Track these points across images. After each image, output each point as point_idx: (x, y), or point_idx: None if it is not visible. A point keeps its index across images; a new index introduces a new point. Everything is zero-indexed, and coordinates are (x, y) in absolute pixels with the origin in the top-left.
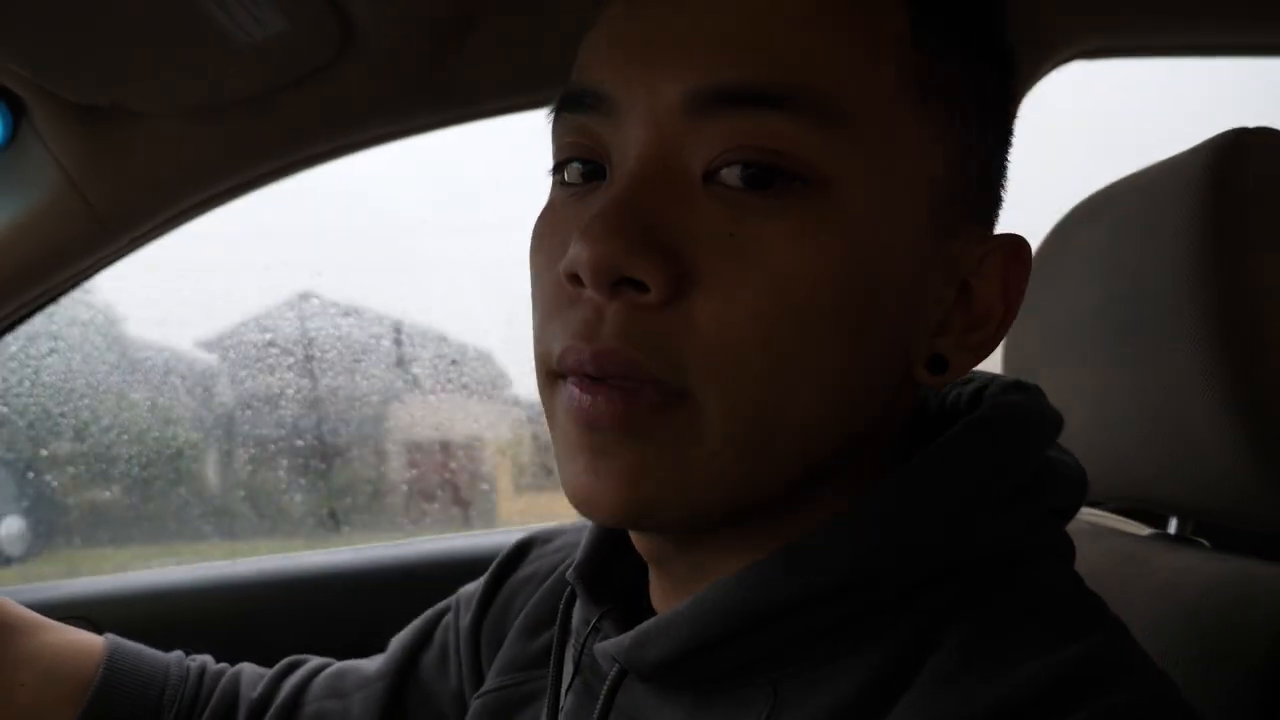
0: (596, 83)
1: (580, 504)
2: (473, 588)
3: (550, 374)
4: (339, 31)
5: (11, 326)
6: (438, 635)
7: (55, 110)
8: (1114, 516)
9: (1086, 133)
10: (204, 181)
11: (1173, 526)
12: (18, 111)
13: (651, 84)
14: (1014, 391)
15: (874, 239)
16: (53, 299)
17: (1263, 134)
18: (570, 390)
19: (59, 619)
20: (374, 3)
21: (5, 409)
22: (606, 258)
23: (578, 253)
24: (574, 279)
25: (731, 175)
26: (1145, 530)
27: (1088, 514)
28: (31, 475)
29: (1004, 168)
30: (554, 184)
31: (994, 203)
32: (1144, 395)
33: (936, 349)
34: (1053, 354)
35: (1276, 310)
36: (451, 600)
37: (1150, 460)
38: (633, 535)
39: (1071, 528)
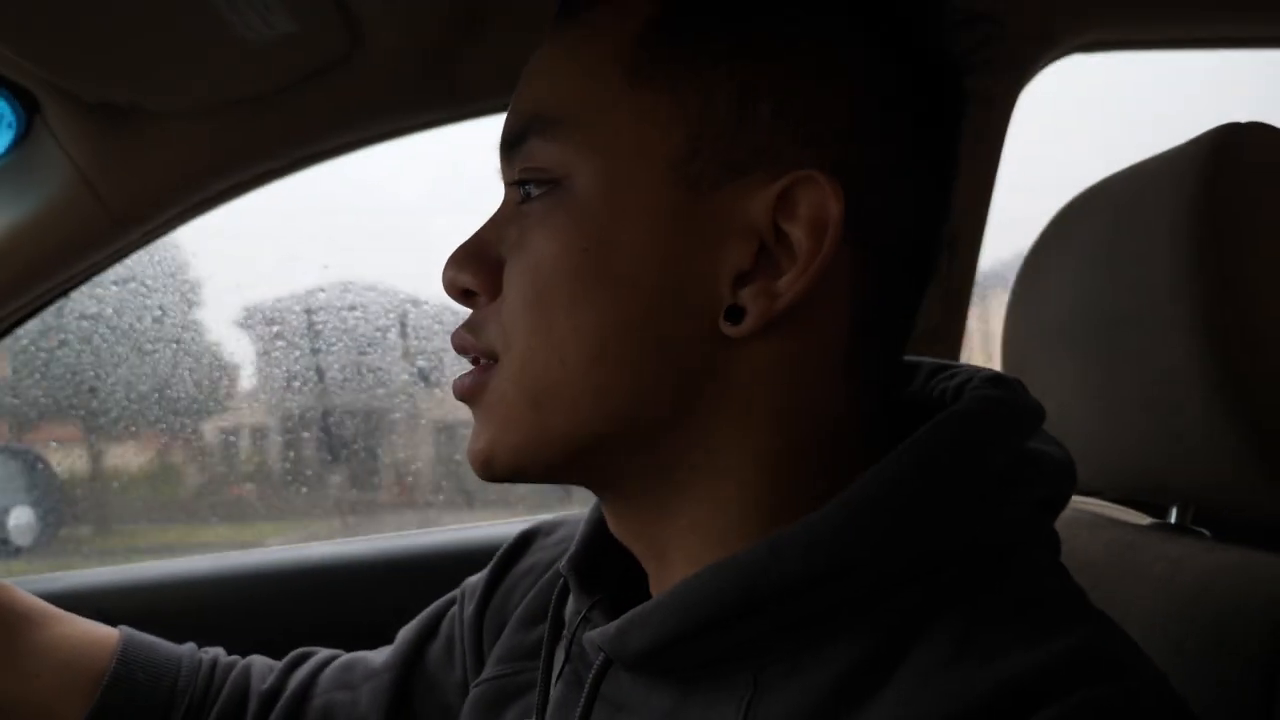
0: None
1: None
2: (477, 579)
3: None
4: (346, 31)
5: (23, 320)
6: (444, 626)
7: (68, 108)
8: (1115, 506)
9: (1086, 125)
10: (214, 177)
11: (1173, 516)
12: (31, 109)
13: (499, 147)
14: (993, 385)
15: (605, 214)
16: (65, 293)
17: (1255, 129)
18: None
19: (70, 609)
20: (381, 3)
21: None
22: (446, 279)
23: (441, 278)
24: None
25: (520, 194)
26: (1146, 520)
27: (1089, 504)
28: (40, 465)
29: (820, 106)
30: None
31: (808, 145)
32: (1141, 386)
33: (737, 300)
34: (1051, 346)
35: (1269, 302)
36: (457, 592)
37: (1149, 450)
38: (604, 512)
39: (1072, 518)
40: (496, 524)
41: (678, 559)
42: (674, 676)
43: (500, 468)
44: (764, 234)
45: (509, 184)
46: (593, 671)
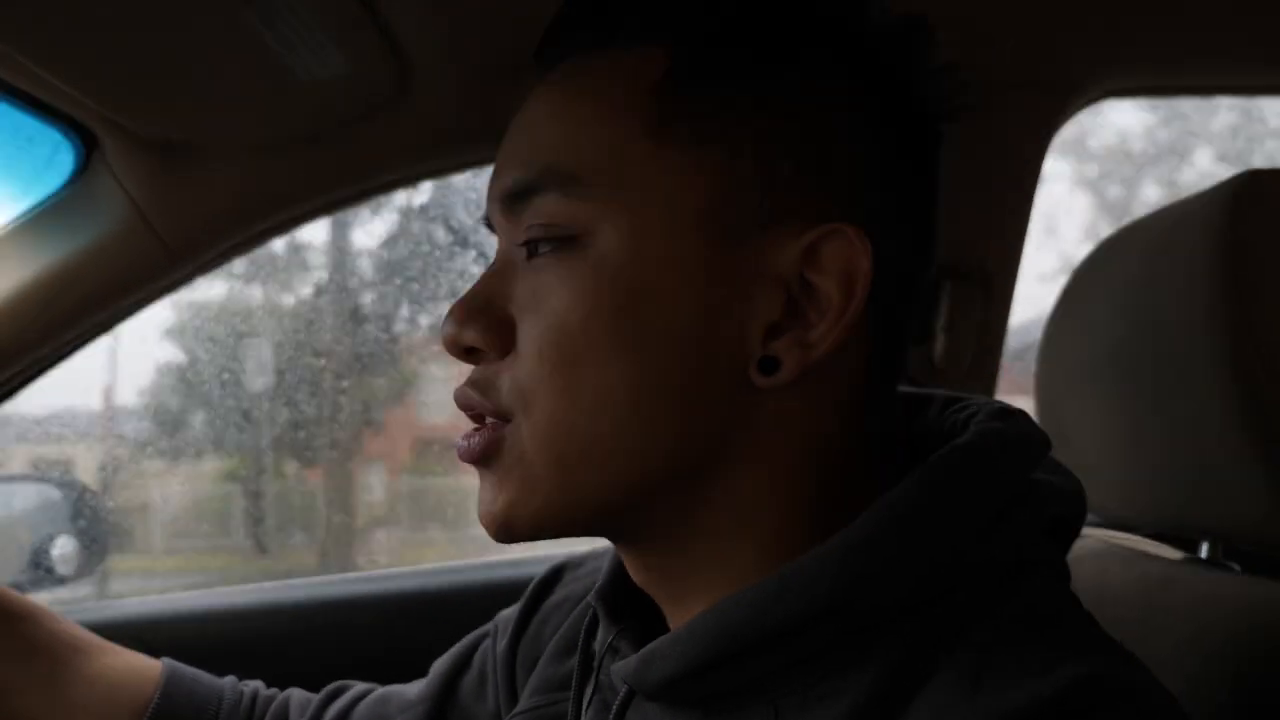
0: (486, 208)
1: (484, 527)
2: (510, 612)
3: None
4: (397, 72)
5: (75, 350)
6: (476, 659)
7: (125, 143)
8: (1147, 541)
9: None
10: (266, 213)
11: (1204, 551)
12: (89, 144)
13: (491, 198)
14: (997, 417)
15: (633, 272)
16: (117, 322)
17: (1275, 174)
18: None
19: (112, 638)
20: (430, 46)
21: None
22: (448, 334)
23: (440, 334)
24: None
25: (528, 250)
26: (1177, 554)
27: (1122, 539)
28: (87, 495)
29: (839, 160)
30: None
31: (828, 198)
32: (1170, 425)
33: (769, 351)
34: (1081, 385)
35: None
36: (490, 625)
37: (1179, 487)
38: (626, 565)
39: (1105, 552)
40: (528, 557)
41: (698, 596)
42: (696, 706)
43: (521, 530)
44: (792, 286)
45: (512, 240)
46: (618, 701)
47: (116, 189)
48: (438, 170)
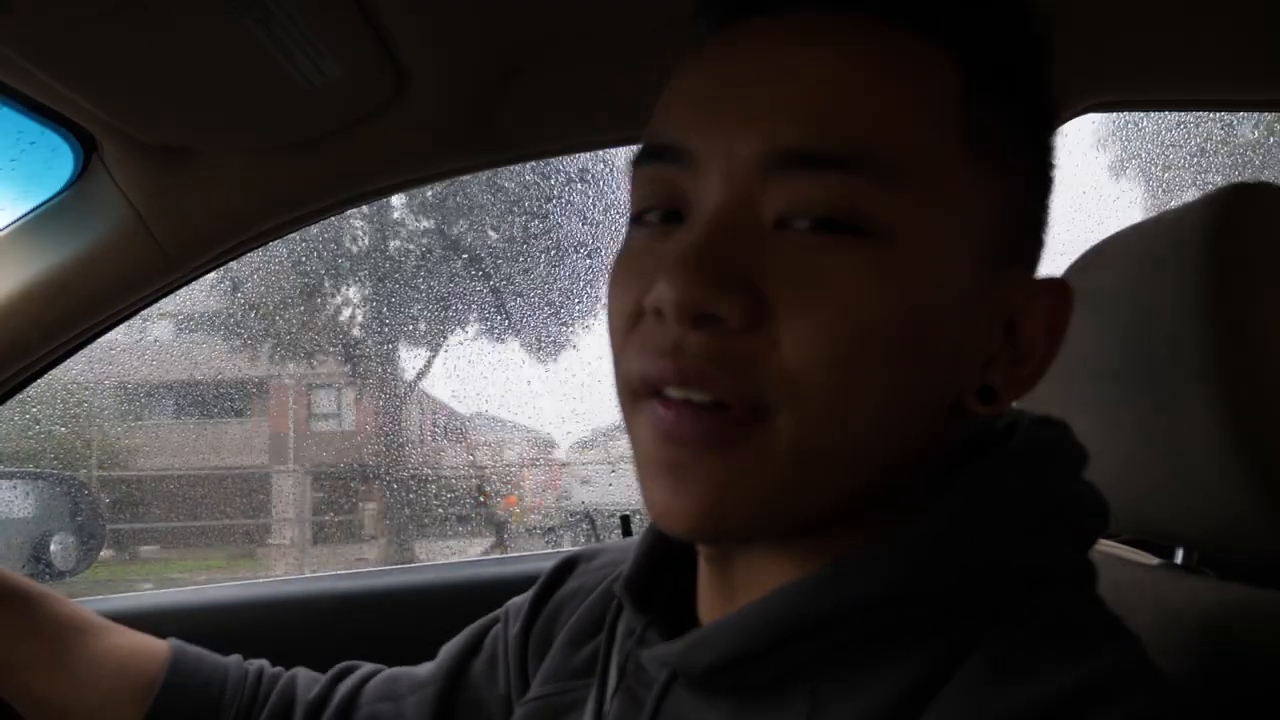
0: (677, 138)
1: (659, 518)
2: (521, 600)
3: (633, 393)
4: (393, 78)
5: (73, 351)
6: (487, 644)
7: (125, 147)
8: (1124, 547)
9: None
10: (263, 216)
11: (1179, 557)
12: (89, 147)
13: (729, 143)
14: (1044, 426)
15: (928, 281)
16: (114, 324)
17: (1260, 188)
18: (655, 408)
19: None
20: (426, 53)
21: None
22: (689, 297)
23: (662, 291)
24: (658, 313)
25: (801, 222)
26: (1153, 560)
27: (1100, 544)
28: (84, 491)
29: (1046, 214)
30: (630, 229)
31: (1037, 247)
32: (1149, 433)
33: (986, 381)
34: (1064, 393)
35: (1274, 354)
36: (500, 612)
37: (1157, 495)
38: (705, 549)
39: None
40: (533, 554)
41: (758, 582)
42: (733, 694)
43: (727, 531)
44: (1010, 325)
45: (753, 203)
46: (657, 687)
47: (115, 192)
48: (435, 175)
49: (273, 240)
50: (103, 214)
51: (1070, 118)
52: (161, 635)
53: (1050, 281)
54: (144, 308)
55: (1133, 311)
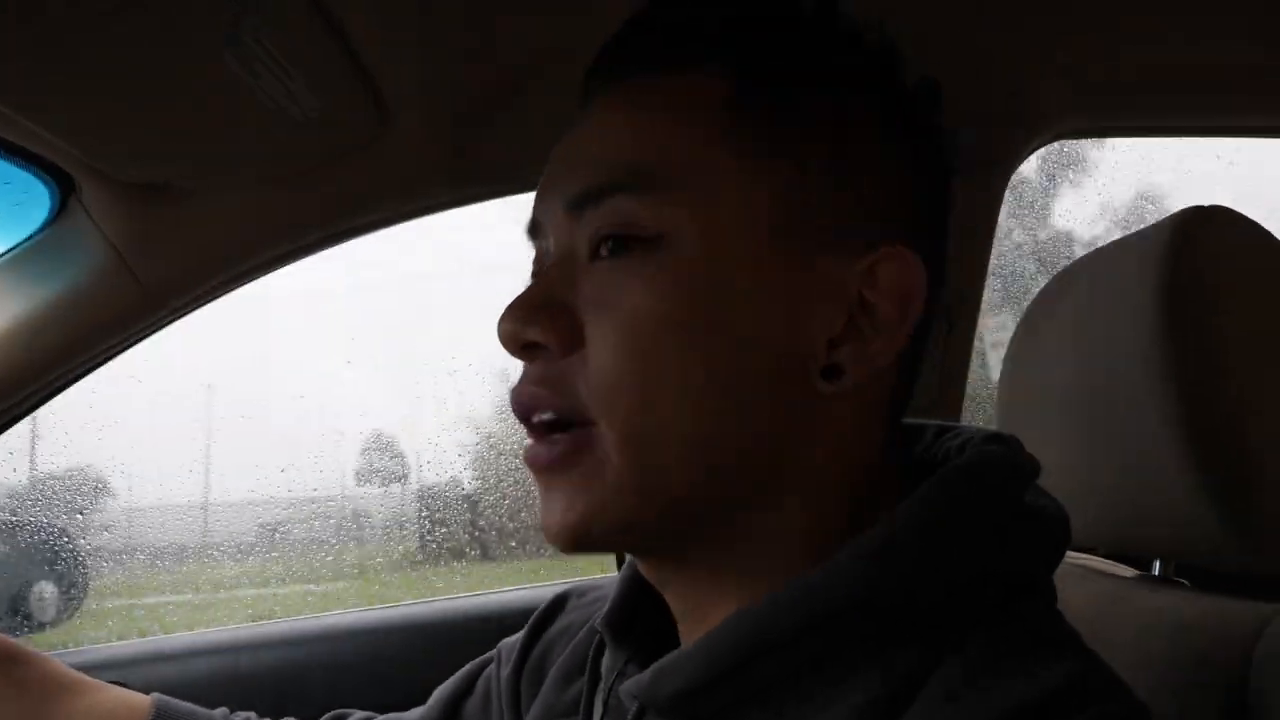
0: (535, 213)
1: (545, 536)
2: (514, 640)
3: None
4: (375, 113)
5: (57, 391)
6: (480, 684)
7: (103, 186)
8: (1103, 560)
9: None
10: (245, 254)
11: (1156, 569)
12: (66, 186)
13: (551, 202)
14: (993, 442)
15: (709, 273)
16: (96, 366)
17: (1217, 211)
18: (526, 442)
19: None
20: (407, 86)
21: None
22: (508, 329)
23: (497, 329)
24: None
25: (604, 249)
26: (1131, 573)
27: (1078, 558)
28: (64, 540)
29: (876, 193)
30: None
31: (884, 220)
32: (1123, 450)
33: (833, 360)
34: (1041, 410)
35: (1233, 373)
36: (493, 653)
37: (1131, 509)
38: (642, 569)
39: (1064, 571)
40: (525, 589)
41: (716, 608)
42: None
43: (595, 539)
44: (852, 303)
45: (573, 242)
46: (629, 718)
47: (94, 232)
48: (418, 210)
49: (257, 278)
50: (82, 254)
51: (1039, 146)
52: (147, 685)
53: (887, 251)
54: (127, 348)
55: (1100, 334)
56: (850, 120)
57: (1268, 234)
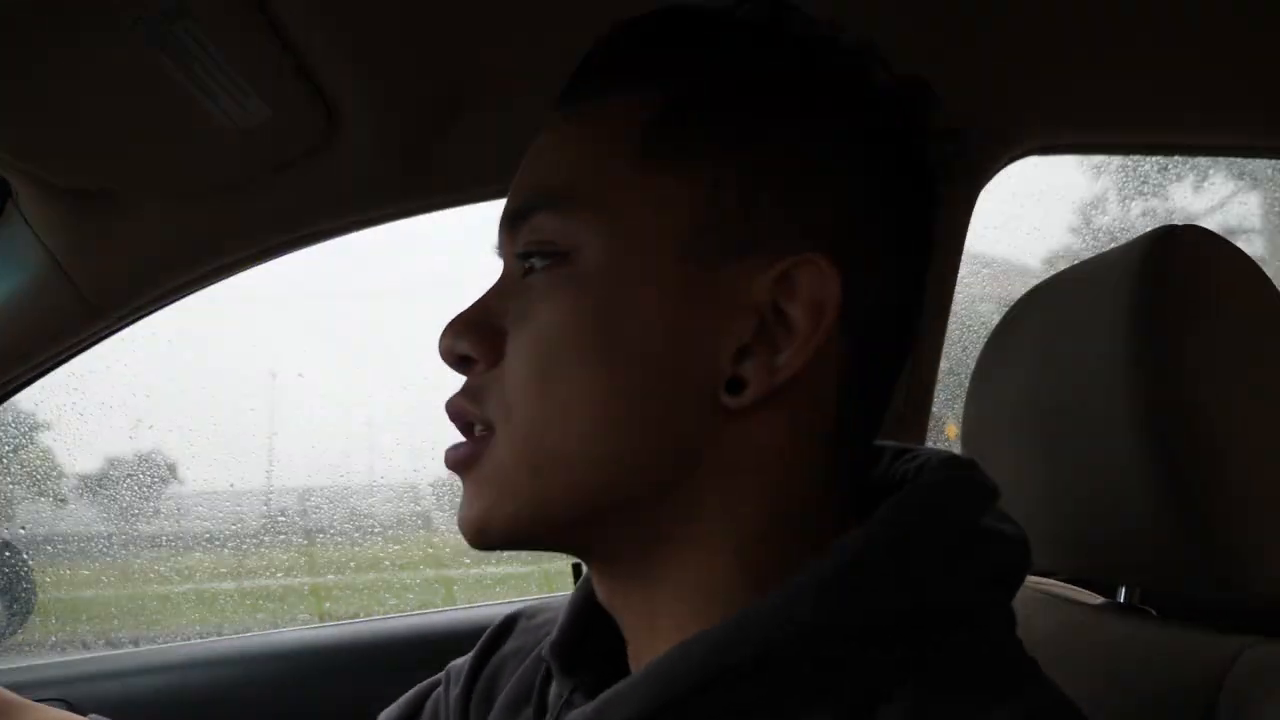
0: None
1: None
2: (462, 662)
3: None
4: (323, 118)
5: None
6: (428, 707)
7: (41, 193)
8: (1068, 586)
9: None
10: (190, 263)
11: (1122, 595)
12: (2, 194)
13: (500, 223)
14: (949, 466)
15: (613, 287)
16: (36, 377)
17: (1189, 231)
18: None
19: (38, 699)
20: (357, 90)
21: None
22: (445, 344)
23: (438, 345)
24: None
25: (530, 266)
26: (1097, 599)
27: (1043, 584)
28: (8, 554)
29: (817, 199)
30: None
31: (807, 229)
32: (1089, 473)
33: (738, 373)
34: (1006, 432)
35: (1203, 394)
36: (441, 675)
37: (1097, 533)
38: (594, 581)
39: (1028, 597)
40: (478, 607)
41: (666, 627)
42: None
43: (495, 536)
44: (764, 312)
45: (513, 257)
46: None
47: (32, 240)
48: (367, 220)
49: (202, 288)
50: (19, 263)
51: (1009, 162)
52: (89, 702)
53: (803, 259)
54: (68, 359)
55: (1067, 354)
56: (778, 133)
57: (1242, 254)
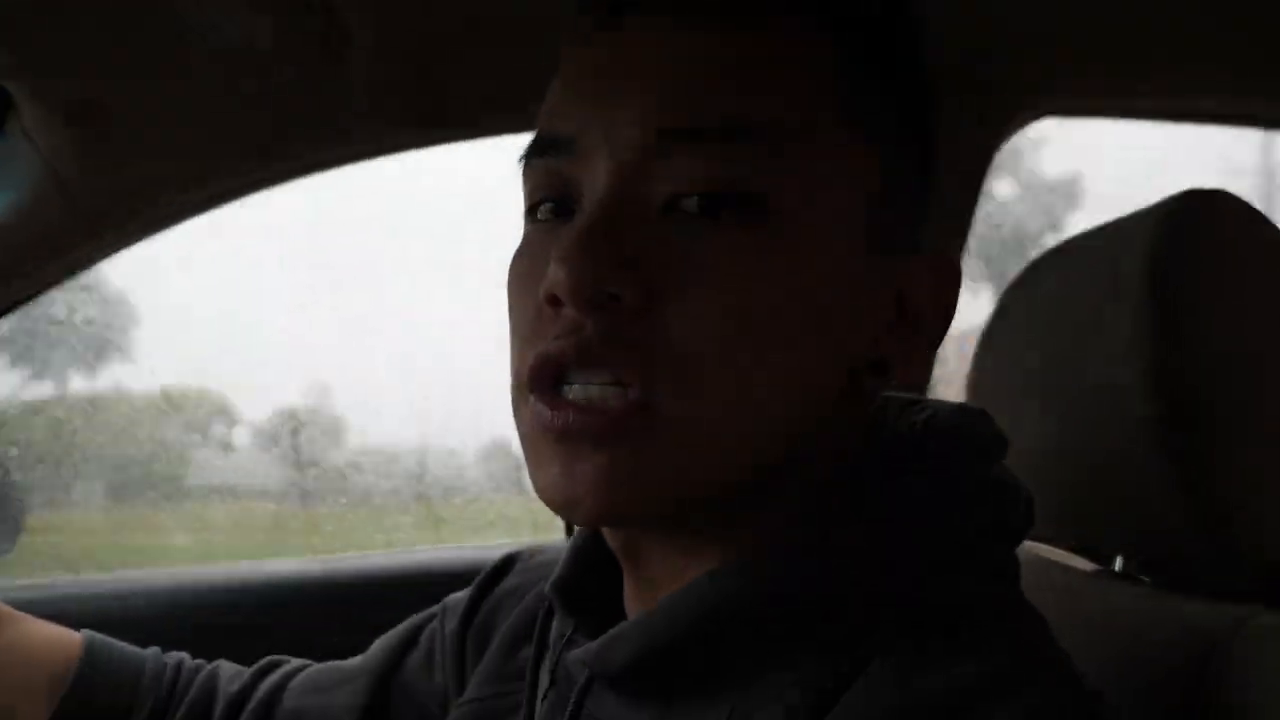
0: (563, 130)
1: (558, 507)
2: (459, 596)
3: (520, 389)
4: (328, 42)
5: None
6: (424, 638)
7: (43, 108)
8: (1063, 553)
9: None
10: (189, 185)
11: (1118, 564)
12: (5, 104)
13: (614, 129)
14: (959, 414)
15: (814, 256)
16: (34, 295)
17: (1216, 196)
18: (538, 408)
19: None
20: (363, 13)
21: None
22: (583, 276)
23: (555, 275)
24: (553, 300)
25: (690, 204)
26: (1091, 566)
27: (1039, 549)
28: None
29: (928, 193)
30: (526, 224)
31: (920, 222)
32: (1092, 440)
33: (879, 354)
34: (1011, 395)
35: (1215, 366)
36: (438, 608)
37: (1097, 501)
38: (608, 535)
39: (1023, 562)
40: (471, 548)
41: (677, 579)
42: (656, 697)
43: (636, 515)
44: (902, 300)
45: (638, 187)
46: (577, 689)
47: (33, 154)
48: (368, 151)
49: (204, 213)
50: (19, 178)
51: (1027, 123)
52: (78, 624)
53: (934, 256)
54: (66, 278)
55: (1078, 319)
56: (921, 109)
57: (1266, 220)
